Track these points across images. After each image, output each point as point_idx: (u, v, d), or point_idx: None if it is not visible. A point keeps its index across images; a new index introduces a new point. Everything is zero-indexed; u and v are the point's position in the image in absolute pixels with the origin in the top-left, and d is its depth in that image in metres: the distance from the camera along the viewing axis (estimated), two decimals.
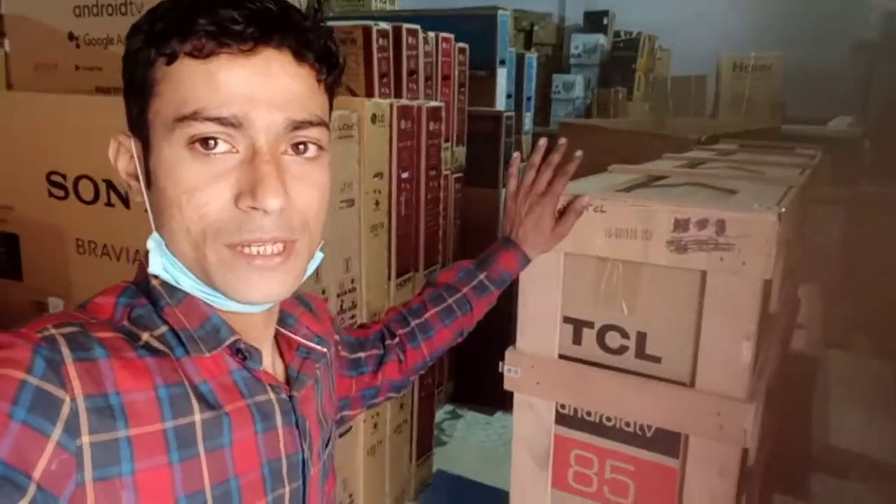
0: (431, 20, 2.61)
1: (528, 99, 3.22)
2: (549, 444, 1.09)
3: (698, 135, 2.51)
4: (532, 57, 3.23)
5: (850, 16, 3.92)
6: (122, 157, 0.60)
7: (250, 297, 0.57)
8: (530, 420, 1.09)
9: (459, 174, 2.89)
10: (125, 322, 0.58)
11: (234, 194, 0.55)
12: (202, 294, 0.59)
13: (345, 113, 1.92)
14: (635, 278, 0.99)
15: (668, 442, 1.00)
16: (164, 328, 0.58)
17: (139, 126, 0.58)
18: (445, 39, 2.65)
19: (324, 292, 1.96)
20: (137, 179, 0.59)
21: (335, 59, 0.60)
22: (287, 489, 0.63)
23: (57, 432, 0.49)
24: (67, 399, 0.50)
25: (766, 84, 4.68)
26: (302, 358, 0.68)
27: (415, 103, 2.24)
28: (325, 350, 0.70)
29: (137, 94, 0.57)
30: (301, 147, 0.57)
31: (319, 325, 0.71)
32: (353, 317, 2.06)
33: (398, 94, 2.45)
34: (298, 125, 0.56)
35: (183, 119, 0.54)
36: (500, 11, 2.84)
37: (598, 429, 1.06)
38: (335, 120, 1.87)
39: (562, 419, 1.08)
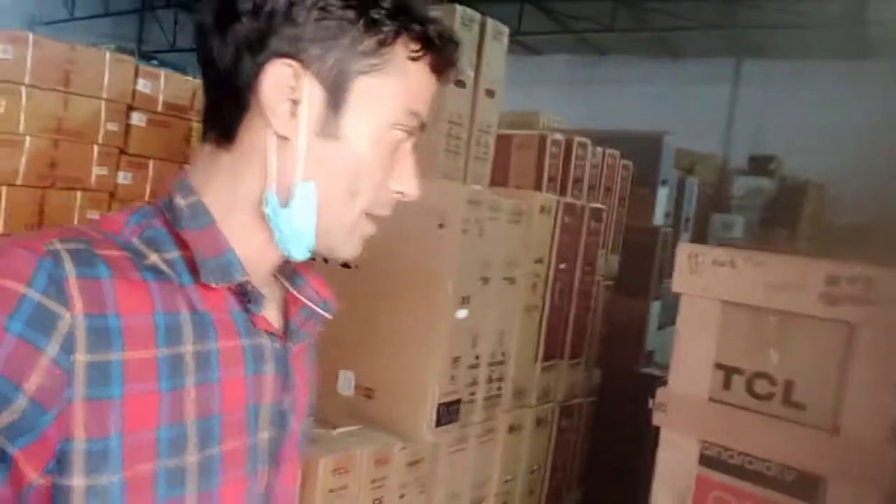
0: (600, 139, 2.86)
1: (687, 220, 3.35)
2: (692, 484, 1.17)
3: None
4: (693, 181, 3.38)
5: None
6: (284, 83, 0.58)
7: (354, 253, 0.64)
8: (674, 459, 1.18)
9: (609, 282, 3.03)
10: (134, 239, 0.58)
11: (389, 178, 0.63)
12: (274, 226, 0.60)
13: (518, 202, 2.17)
14: (787, 328, 1.09)
15: (810, 487, 1.06)
16: (175, 253, 0.58)
17: (335, 78, 0.59)
18: (611, 155, 2.89)
19: (478, 357, 2.12)
20: (292, 115, 0.59)
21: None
22: (266, 435, 0.63)
23: (53, 348, 0.50)
24: (67, 315, 0.51)
25: None
26: (305, 317, 0.68)
27: (579, 202, 2.46)
28: (329, 315, 0.69)
29: (350, 51, 0.58)
30: None
31: (328, 290, 0.71)
32: (498, 388, 2.20)
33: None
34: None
35: (410, 113, 0.61)
36: (665, 135, 3.07)
37: (740, 471, 1.13)
38: (509, 205, 2.11)
39: (705, 460, 1.16)
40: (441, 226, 1.82)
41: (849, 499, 1.01)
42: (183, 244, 0.58)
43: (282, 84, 0.57)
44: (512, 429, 2.30)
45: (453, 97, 2.10)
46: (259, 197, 0.60)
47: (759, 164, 6.23)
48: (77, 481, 0.51)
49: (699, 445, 1.17)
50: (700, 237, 5.31)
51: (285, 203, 0.59)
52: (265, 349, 0.62)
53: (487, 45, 2.19)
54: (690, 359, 1.19)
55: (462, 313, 1.92)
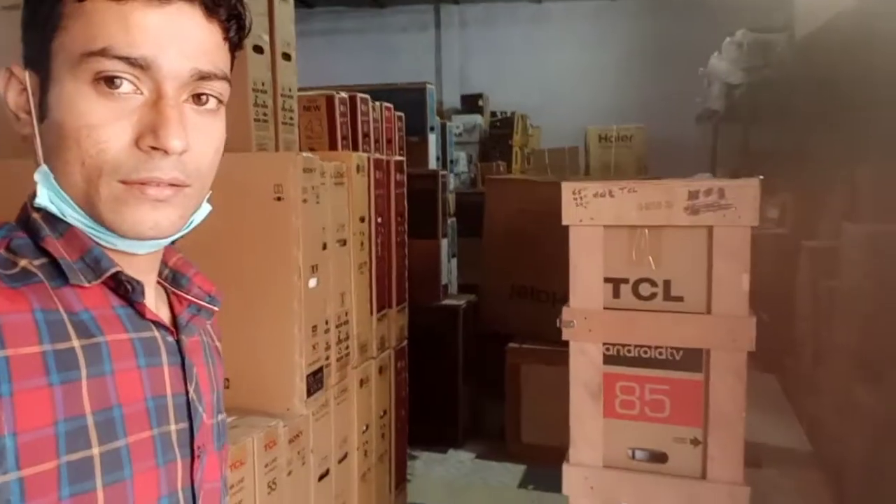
0: (374, 93, 2.97)
1: (452, 162, 3.64)
2: (600, 380, 1.40)
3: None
4: (453, 125, 3.67)
5: (697, 90, 4.75)
6: (13, 88, 0.60)
7: (140, 230, 0.57)
8: (584, 363, 1.41)
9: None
10: (1, 251, 0.57)
11: (135, 135, 0.56)
12: (88, 229, 0.59)
13: (338, 164, 2.21)
14: (660, 240, 1.36)
15: (693, 361, 1.35)
16: (43, 259, 0.58)
17: (39, 59, 0.58)
18: (388, 108, 3.02)
19: (327, 322, 2.17)
20: (28, 112, 0.59)
21: (242, 19, 0.62)
22: (173, 427, 0.62)
23: None
24: None
25: (630, 151, 5.43)
26: (192, 314, 0.68)
27: (384, 157, 2.57)
28: (215, 308, 0.70)
29: (40, 27, 0.57)
30: (203, 98, 0.59)
31: (210, 285, 0.71)
32: (346, 348, 2.27)
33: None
34: (204, 76, 0.58)
35: (91, 55, 0.55)
36: (427, 85, 3.27)
37: (638, 361, 1.39)
38: (332, 169, 2.15)
39: (608, 359, 1.41)
40: (279, 199, 1.81)
41: (723, 362, 1.32)
42: (53, 249, 0.58)
43: (12, 88, 0.60)
44: (362, 382, 2.39)
45: (254, 64, 2.05)
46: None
47: (470, 102, 6.84)
48: None
49: (602, 348, 1.40)
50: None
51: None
52: (157, 341, 0.62)
53: (277, 8, 2.16)
54: (584, 278, 1.40)
55: (313, 282, 1.95)
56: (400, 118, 3.13)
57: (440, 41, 7.53)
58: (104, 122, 0.55)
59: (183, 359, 0.65)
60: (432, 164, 3.32)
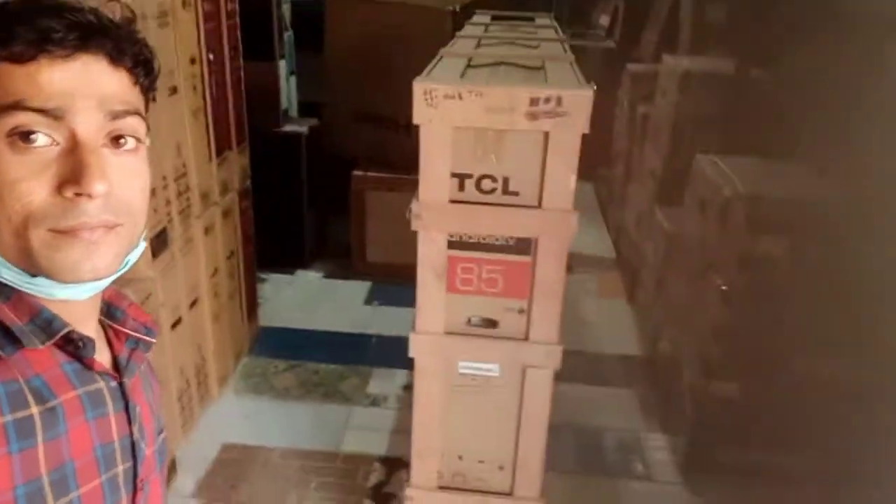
0: None
1: None
2: (444, 262, 1.57)
3: (450, 5, 2.98)
4: None
5: None
6: None
7: (78, 274, 0.58)
8: (431, 248, 1.55)
9: None
10: None
11: (56, 184, 0.56)
12: (27, 285, 0.60)
13: (161, 0, 2.02)
14: (502, 141, 1.46)
15: (524, 246, 1.54)
16: None
17: None
18: None
19: (164, 178, 2.12)
20: None
21: (149, 63, 0.64)
22: (120, 468, 0.66)
23: None
24: None
25: None
26: (131, 348, 0.70)
27: None
28: (153, 340, 0.72)
29: None
30: (121, 140, 0.60)
31: (146, 316, 0.73)
32: (187, 199, 2.25)
33: None
34: (117, 115, 0.59)
35: (3, 110, 0.55)
36: None
37: (477, 246, 1.56)
38: (153, 7, 1.97)
39: (451, 245, 1.56)
40: None
41: (549, 247, 1.52)
42: None
43: None
44: (207, 230, 2.42)
45: None
46: None
47: None
48: None
49: (447, 236, 1.55)
50: None
51: None
52: (102, 392, 0.64)
53: None
54: (433, 174, 1.50)
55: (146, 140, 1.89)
56: None
57: None
58: (24, 177, 0.56)
59: (126, 402, 0.67)
60: None
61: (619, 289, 3.47)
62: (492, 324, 1.63)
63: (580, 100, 1.41)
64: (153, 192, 1.91)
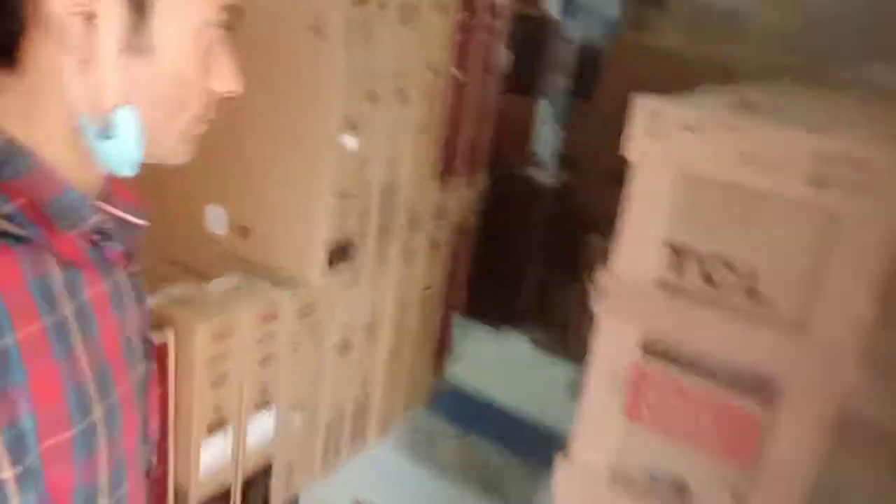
0: None
1: (570, 1, 3.01)
2: (630, 372, 1.03)
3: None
4: None
5: None
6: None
7: (186, 155, 0.62)
8: (612, 347, 1.03)
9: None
10: None
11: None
12: (100, 150, 0.56)
13: None
14: (759, 210, 0.91)
15: (760, 386, 0.94)
16: (8, 206, 0.52)
17: None
18: None
19: (368, 189, 1.89)
20: (89, 32, 0.52)
21: None
22: (140, 369, 0.65)
23: None
24: None
25: None
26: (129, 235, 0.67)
27: None
28: (146, 223, 0.67)
29: None
30: None
31: (133, 196, 0.68)
32: (390, 216, 2.00)
33: None
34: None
35: (228, 6, 0.57)
36: None
37: (685, 364, 1.00)
38: (397, 1, 1.74)
39: (648, 349, 1.02)
40: (318, 34, 1.47)
41: (805, 399, 0.91)
42: (14, 194, 0.53)
43: None
44: (407, 255, 2.15)
45: None
46: (67, 128, 0.55)
47: None
48: (5, 474, 0.50)
49: (642, 334, 1.02)
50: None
51: (106, 133, 0.55)
52: (124, 283, 0.63)
53: None
54: (636, 236, 0.99)
55: (351, 142, 1.63)
56: None
57: None
58: (208, 69, 0.60)
59: (142, 296, 0.66)
60: (552, 5, 2.76)
61: None
62: (682, 490, 1.04)
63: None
64: (347, 196, 1.70)
